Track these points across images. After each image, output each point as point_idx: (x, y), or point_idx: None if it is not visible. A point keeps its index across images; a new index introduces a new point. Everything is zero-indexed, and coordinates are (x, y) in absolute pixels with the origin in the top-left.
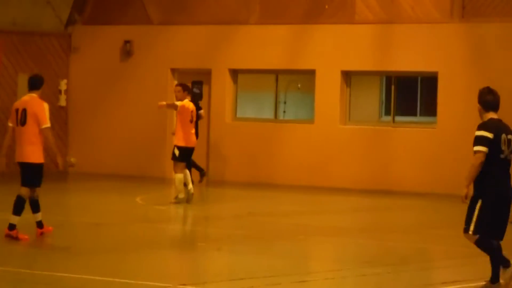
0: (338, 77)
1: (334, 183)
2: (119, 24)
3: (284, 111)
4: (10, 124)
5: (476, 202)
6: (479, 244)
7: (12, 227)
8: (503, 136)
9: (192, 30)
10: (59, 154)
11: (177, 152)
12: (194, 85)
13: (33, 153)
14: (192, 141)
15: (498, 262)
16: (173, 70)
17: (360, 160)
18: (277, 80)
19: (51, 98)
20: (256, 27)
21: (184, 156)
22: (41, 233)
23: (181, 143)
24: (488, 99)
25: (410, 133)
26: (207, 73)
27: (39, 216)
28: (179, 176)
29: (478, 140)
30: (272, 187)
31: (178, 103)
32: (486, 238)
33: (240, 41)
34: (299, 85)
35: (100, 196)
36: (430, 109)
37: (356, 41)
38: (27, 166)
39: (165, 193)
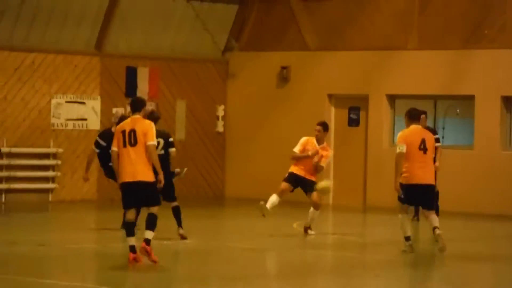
0: (498, 103)
1: (494, 209)
2: (276, 50)
3: (443, 137)
4: (115, 149)
5: None
6: None
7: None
8: None
9: (349, 55)
10: (161, 171)
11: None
12: (351, 112)
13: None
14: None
15: None
16: (330, 96)
17: None
18: (435, 105)
19: (209, 124)
20: (414, 53)
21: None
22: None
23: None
24: None
25: None
26: (364, 98)
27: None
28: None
29: None
30: None
31: None
32: None
33: (398, 67)
34: (457, 110)
35: (256, 221)
36: None
37: None
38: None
39: (322, 219)
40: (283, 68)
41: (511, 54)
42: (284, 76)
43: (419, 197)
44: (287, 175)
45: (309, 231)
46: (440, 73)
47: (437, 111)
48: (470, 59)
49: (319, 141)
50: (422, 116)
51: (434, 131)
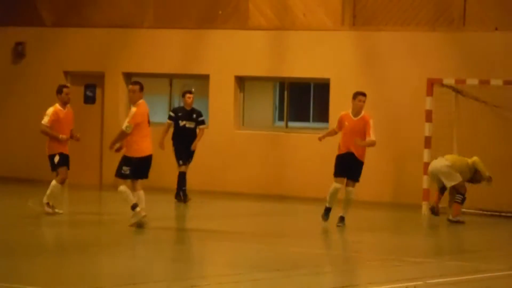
0: (231, 82)
1: (229, 187)
2: (11, 25)
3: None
4: None
5: None
6: None
7: None
8: None
9: (86, 32)
10: None
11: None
12: (87, 89)
13: None
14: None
15: None
16: (66, 73)
17: (254, 165)
18: (171, 84)
19: None
20: (150, 31)
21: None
22: None
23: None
24: None
25: (303, 138)
26: (101, 76)
27: None
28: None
29: None
30: (169, 191)
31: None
32: None
33: (134, 45)
34: (193, 89)
35: None
36: (322, 115)
37: (249, 47)
38: None
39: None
40: (18, 44)
41: (244, 34)
42: (19, 52)
43: (146, 168)
44: (60, 157)
45: (56, 210)
46: (176, 52)
47: (173, 89)
48: (205, 38)
49: (66, 104)
50: (190, 95)
51: (200, 113)
